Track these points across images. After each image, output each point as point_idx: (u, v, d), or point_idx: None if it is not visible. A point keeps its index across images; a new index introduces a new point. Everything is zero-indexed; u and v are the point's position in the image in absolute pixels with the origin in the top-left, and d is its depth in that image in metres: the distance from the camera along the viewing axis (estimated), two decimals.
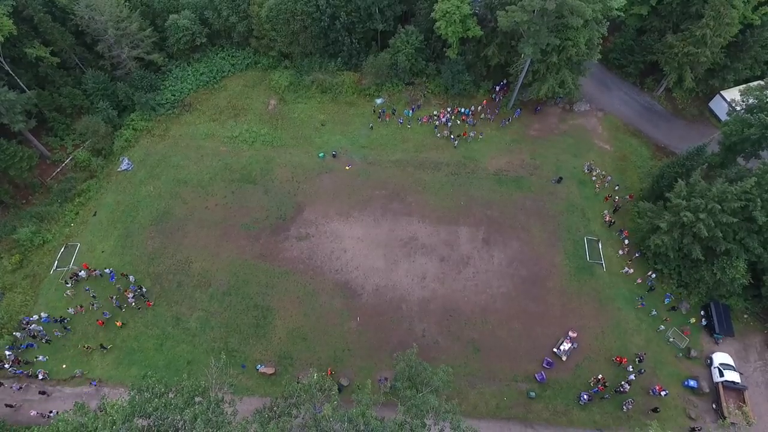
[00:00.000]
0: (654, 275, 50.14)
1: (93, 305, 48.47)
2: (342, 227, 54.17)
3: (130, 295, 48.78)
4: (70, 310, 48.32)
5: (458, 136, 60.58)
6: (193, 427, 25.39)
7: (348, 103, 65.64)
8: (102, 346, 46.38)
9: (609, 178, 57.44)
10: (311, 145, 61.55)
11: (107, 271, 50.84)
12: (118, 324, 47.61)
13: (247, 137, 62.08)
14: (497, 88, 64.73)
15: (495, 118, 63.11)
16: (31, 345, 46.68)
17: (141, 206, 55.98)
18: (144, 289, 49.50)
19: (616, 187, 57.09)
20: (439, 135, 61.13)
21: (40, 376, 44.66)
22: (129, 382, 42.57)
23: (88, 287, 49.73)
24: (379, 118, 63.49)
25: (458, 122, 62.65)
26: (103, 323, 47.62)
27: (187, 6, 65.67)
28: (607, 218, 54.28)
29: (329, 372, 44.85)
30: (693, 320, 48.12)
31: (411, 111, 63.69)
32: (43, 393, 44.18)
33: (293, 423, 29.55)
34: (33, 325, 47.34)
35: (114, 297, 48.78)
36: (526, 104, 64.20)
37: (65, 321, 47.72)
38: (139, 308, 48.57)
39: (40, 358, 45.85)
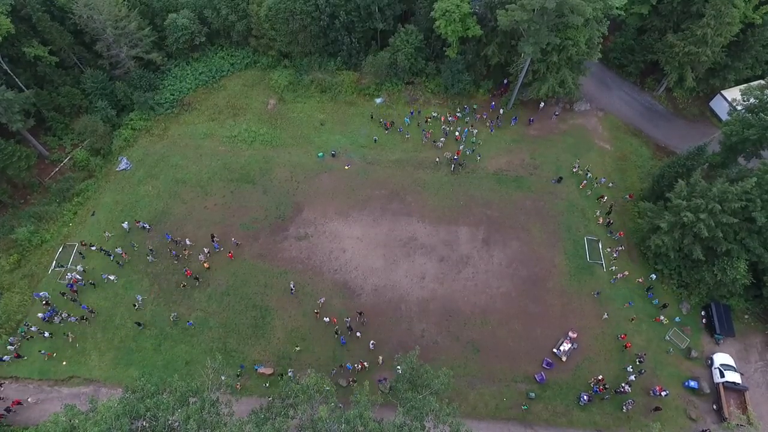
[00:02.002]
0: (654, 276, 50.00)
1: (149, 257, 51.37)
2: (341, 227, 53.97)
3: (206, 249, 51.69)
4: (118, 250, 51.38)
5: (459, 164, 58.22)
6: (186, 427, 25.20)
7: (347, 103, 65.42)
8: (196, 278, 49.90)
9: (602, 179, 57.00)
10: (310, 144, 61.33)
11: (146, 226, 53.66)
12: (205, 266, 50.70)
13: (246, 137, 61.88)
14: (492, 104, 63.71)
15: (494, 123, 62.32)
16: (53, 310, 47.88)
17: (139, 206, 55.77)
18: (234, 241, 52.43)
19: (611, 185, 56.72)
20: (438, 160, 58.89)
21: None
22: (127, 383, 42.59)
23: (134, 242, 52.45)
24: (386, 130, 61.90)
25: (456, 132, 61.11)
26: (190, 273, 50.07)
27: (186, 5, 65.40)
28: (600, 221, 53.96)
29: (318, 310, 46.74)
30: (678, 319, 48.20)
31: (409, 118, 62.61)
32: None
33: (290, 424, 29.35)
34: (69, 274, 49.77)
35: (173, 251, 51.57)
36: (526, 103, 63.98)
37: (111, 254, 51.42)
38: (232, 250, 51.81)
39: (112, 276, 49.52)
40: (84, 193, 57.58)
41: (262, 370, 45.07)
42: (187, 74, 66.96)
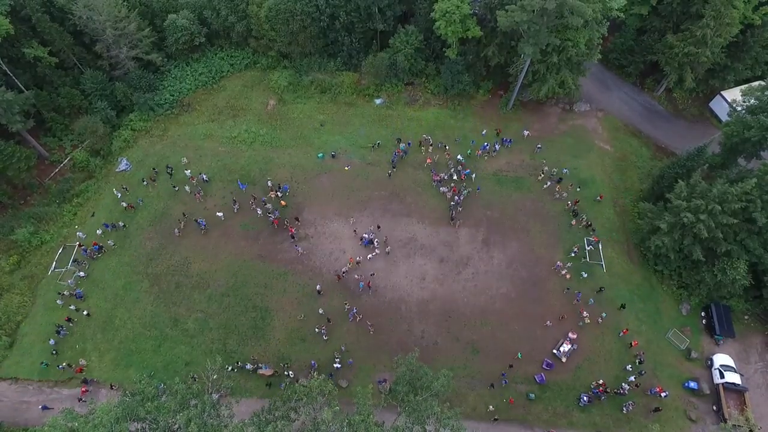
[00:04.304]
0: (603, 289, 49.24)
1: (234, 207, 54.63)
2: (341, 228, 53.95)
3: (279, 193, 55.67)
4: (187, 188, 55.63)
5: (452, 219, 53.91)
6: (187, 430, 25.19)
7: (347, 104, 65.36)
8: (296, 218, 53.95)
9: (565, 170, 56.90)
10: (310, 145, 61.26)
11: (205, 178, 57.10)
12: (282, 204, 54.88)
13: (246, 138, 61.81)
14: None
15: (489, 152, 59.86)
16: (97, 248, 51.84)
17: (139, 207, 55.69)
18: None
19: (578, 189, 56.09)
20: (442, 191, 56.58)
21: None
22: (127, 384, 42.60)
23: (201, 188, 56.22)
24: (393, 164, 58.28)
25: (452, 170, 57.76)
26: (278, 222, 53.37)
27: (185, 6, 65.38)
28: (583, 221, 53.87)
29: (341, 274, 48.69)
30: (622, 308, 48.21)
31: (404, 146, 59.80)
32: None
33: (291, 427, 29.35)
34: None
35: (252, 202, 54.64)
36: (526, 104, 63.94)
37: (176, 186, 56.13)
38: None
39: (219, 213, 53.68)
40: (84, 194, 57.55)
41: (262, 371, 45.05)
42: (187, 75, 66.86)
